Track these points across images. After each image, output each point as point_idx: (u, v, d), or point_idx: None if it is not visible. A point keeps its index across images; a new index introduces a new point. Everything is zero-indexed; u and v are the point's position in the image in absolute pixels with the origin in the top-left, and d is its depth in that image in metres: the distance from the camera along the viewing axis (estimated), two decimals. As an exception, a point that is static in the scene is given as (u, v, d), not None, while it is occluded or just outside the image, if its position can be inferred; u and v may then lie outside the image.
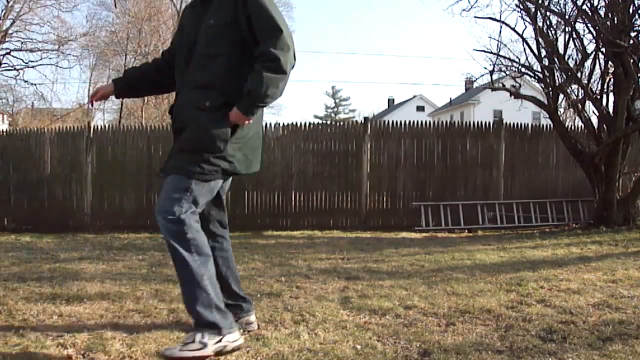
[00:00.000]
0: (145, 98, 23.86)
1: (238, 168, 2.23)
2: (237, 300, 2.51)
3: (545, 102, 7.91)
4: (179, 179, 2.16)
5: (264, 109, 2.32)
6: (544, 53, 7.71)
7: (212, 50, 2.19)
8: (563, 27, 7.65)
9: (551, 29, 7.72)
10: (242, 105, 2.13)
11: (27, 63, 19.50)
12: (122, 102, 24.02)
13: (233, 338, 2.15)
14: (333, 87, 50.60)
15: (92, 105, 2.59)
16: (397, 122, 8.56)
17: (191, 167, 2.14)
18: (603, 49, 7.36)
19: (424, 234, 7.42)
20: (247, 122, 2.18)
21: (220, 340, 2.11)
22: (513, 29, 8.50)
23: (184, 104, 2.23)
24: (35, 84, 20.34)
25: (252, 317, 2.56)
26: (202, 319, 2.12)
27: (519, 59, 8.27)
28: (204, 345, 2.08)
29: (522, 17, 8.01)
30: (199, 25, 2.23)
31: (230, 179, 2.44)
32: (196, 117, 2.17)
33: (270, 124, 8.57)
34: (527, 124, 8.80)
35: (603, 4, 7.35)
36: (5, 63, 19.41)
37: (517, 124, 8.67)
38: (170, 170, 2.20)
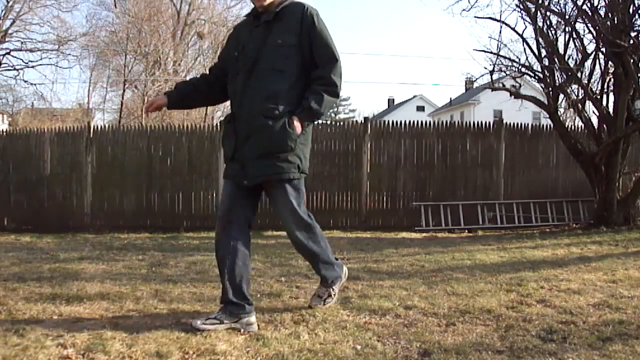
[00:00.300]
0: (145, 98, 23.90)
1: (305, 165, 2.58)
2: (242, 300, 2.60)
3: (546, 102, 7.91)
4: (286, 181, 2.52)
5: None
6: (544, 53, 7.71)
7: (279, 66, 2.48)
8: (563, 27, 7.66)
9: (551, 29, 7.72)
10: (304, 117, 2.49)
11: (27, 63, 19.55)
12: (121, 102, 24.04)
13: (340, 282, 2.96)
14: (333, 87, 50.59)
15: (147, 115, 2.77)
16: (397, 122, 8.56)
17: (285, 165, 2.48)
18: (603, 49, 7.36)
19: (424, 234, 7.42)
20: (302, 130, 2.51)
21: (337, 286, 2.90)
22: (513, 29, 8.52)
23: (253, 114, 2.48)
24: (35, 84, 20.42)
25: (253, 318, 2.62)
26: (329, 277, 2.84)
27: (519, 59, 8.28)
28: (332, 294, 2.91)
29: (522, 17, 8.04)
30: (264, 43, 2.50)
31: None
32: (267, 124, 2.45)
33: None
34: (527, 124, 8.80)
35: (603, 4, 7.36)
36: (5, 63, 19.45)
37: (517, 124, 8.67)
38: (256, 178, 2.51)
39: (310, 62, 2.52)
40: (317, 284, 3.01)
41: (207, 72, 2.86)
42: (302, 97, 2.50)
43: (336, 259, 2.91)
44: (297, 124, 2.48)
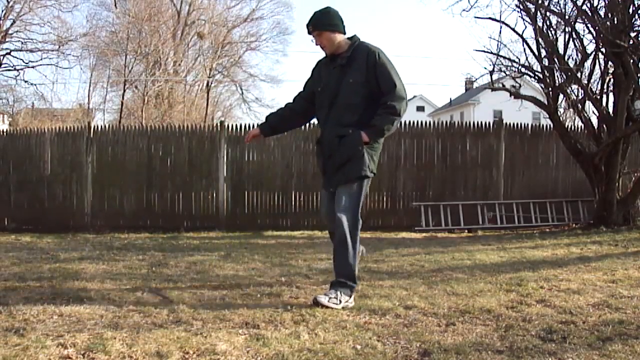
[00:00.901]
0: (145, 98, 23.91)
1: (373, 167, 3.16)
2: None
3: (545, 102, 7.90)
4: (348, 188, 3.08)
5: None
6: (544, 53, 7.71)
7: (352, 100, 3.12)
8: (563, 27, 7.65)
9: (551, 29, 7.72)
10: (370, 134, 3.09)
11: (27, 63, 19.53)
12: (122, 102, 24.05)
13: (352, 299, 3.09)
14: (333, 87, 50.48)
15: (247, 142, 3.65)
16: (397, 122, 8.53)
17: (352, 176, 3.08)
18: (603, 49, 7.36)
19: (424, 234, 7.42)
20: (369, 143, 3.11)
21: (349, 297, 3.07)
22: (513, 29, 8.49)
23: (332, 138, 3.15)
24: (35, 84, 20.38)
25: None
26: (345, 285, 3.05)
27: (519, 59, 8.27)
28: (341, 301, 3.01)
29: (522, 17, 8.01)
30: (341, 82, 3.13)
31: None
32: (340, 146, 3.11)
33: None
34: (527, 124, 8.80)
35: (603, 4, 7.36)
36: (5, 63, 19.43)
37: (517, 124, 8.67)
38: (338, 183, 3.12)
39: (378, 91, 3.11)
40: (317, 283, 3.01)
41: (292, 100, 3.47)
42: (367, 121, 3.09)
43: (354, 283, 3.14)
44: (363, 137, 3.06)
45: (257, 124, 3.63)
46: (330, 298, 2.98)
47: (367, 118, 3.09)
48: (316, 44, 3.24)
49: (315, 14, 3.21)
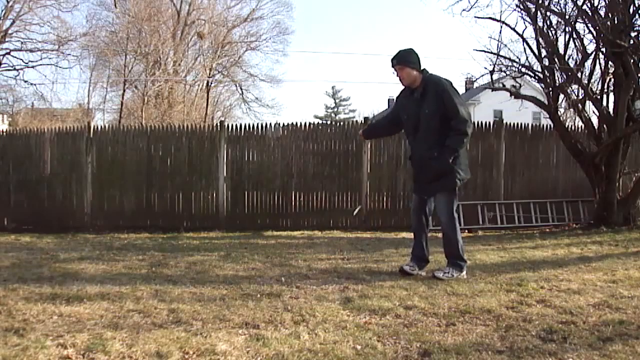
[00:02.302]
0: (145, 98, 23.90)
1: (464, 175, 3.99)
2: (425, 261, 4.16)
3: (546, 102, 7.90)
4: (445, 196, 3.98)
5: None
6: (544, 53, 7.70)
7: (430, 126, 3.90)
8: (563, 27, 7.64)
9: (551, 29, 7.71)
10: (447, 153, 3.87)
11: (27, 63, 19.53)
12: (121, 102, 24.04)
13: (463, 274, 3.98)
14: (333, 87, 50.52)
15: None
16: (397, 122, 8.53)
17: (446, 187, 3.95)
18: (603, 49, 7.35)
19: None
20: (448, 160, 3.90)
21: (461, 274, 3.93)
22: (513, 29, 8.47)
23: (421, 158, 4.01)
24: (35, 84, 20.37)
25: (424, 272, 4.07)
26: (457, 266, 3.95)
27: (519, 59, 8.25)
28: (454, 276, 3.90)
29: (522, 17, 8.00)
30: (419, 112, 3.92)
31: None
32: (429, 164, 3.95)
33: (270, 124, 8.59)
34: (528, 124, 8.78)
35: (603, 4, 7.34)
36: (5, 63, 19.44)
37: (518, 124, 8.66)
38: (434, 192, 4.03)
39: (447, 116, 3.84)
40: (317, 284, 3.01)
41: (387, 115, 4.52)
42: (444, 140, 3.86)
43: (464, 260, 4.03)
44: (445, 159, 3.86)
45: (362, 130, 4.72)
46: (444, 273, 3.87)
47: (444, 137, 3.86)
48: (397, 76, 4.02)
49: (400, 52, 3.99)
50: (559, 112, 8.06)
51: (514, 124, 8.63)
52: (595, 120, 7.96)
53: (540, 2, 7.46)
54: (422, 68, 3.96)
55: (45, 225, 8.15)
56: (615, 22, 6.94)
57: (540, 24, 7.47)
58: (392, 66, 4.01)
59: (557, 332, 2.55)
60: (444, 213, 3.98)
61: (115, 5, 23.99)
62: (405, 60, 3.95)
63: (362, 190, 8.30)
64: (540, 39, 7.54)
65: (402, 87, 4.13)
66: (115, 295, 3.28)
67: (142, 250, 5.62)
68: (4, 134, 9.32)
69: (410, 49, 4.02)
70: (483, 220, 8.03)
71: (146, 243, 6.37)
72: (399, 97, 4.21)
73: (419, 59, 3.97)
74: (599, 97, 7.72)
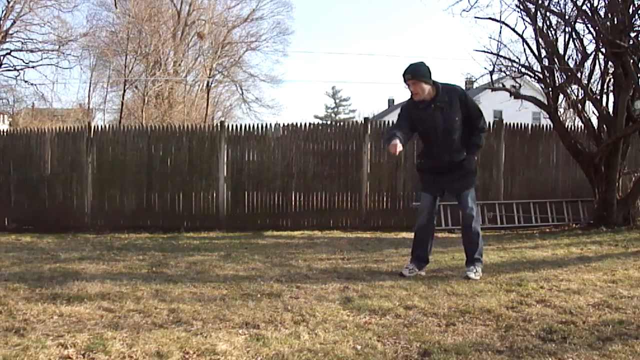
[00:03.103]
0: (145, 98, 23.90)
1: (478, 174, 4.26)
2: (425, 261, 4.20)
3: (545, 102, 7.90)
4: (471, 191, 4.14)
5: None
6: (544, 53, 7.70)
7: (457, 131, 4.05)
8: (563, 27, 7.64)
9: (551, 29, 7.71)
10: (475, 151, 4.17)
11: (27, 63, 19.53)
12: (122, 102, 24.04)
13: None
14: (333, 87, 50.53)
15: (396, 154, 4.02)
16: (397, 123, 8.53)
17: (472, 183, 4.17)
18: (603, 49, 7.35)
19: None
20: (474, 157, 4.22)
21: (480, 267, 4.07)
22: (513, 29, 8.47)
23: (452, 160, 4.09)
24: (35, 84, 20.37)
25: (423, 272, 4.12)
26: (477, 260, 4.06)
27: (519, 59, 8.25)
28: (476, 272, 3.98)
29: (522, 18, 7.99)
30: (447, 120, 4.00)
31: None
32: (460, 165, 4.10)
33: (271, 124, 8.59)
34: (527, 124, 8.79)
35: (603, 4, 7.35)
36: (5, 63, 19.44)
37: (517, 124, 8.66)
38: (462, 189, 4.13)
39: (468, 118, 4.06)
40: (317, 283, 3.01)
41: (396, 127, 4.25)
42: (468, 141, 4.08)
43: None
44: (473, 158, 4.17)
45: (397, 142, 4.12)
46: (475, 272, 3.93)
47: (466, 138, 4.08)
48: (409, 90, 4.03)
49: (412, 65, 4.00)
50: (558, 112, 8.07)
51: (513, 124, 8.64)
52: (595, 121, 7.96)
53: (540, 2, 7.46)
54: (432, 80, 3.99)
55: (46, 225, 8.16)
56: (615, 22, 6.95)
57: (540, 24, 7.47)
58: (405, 80, 4.00)
59: (556, 332, 2.56)
60: (473, 209, 4.12)
61: (115, 6, 24.00)
62: (418, 74, 3.96)
63: (362, 190, 8.30)
64: (540, 39, 7.54)
65: (411, 100, 4.12)
66: (115, 295, 3.29)
67: (142, 250, 5.62)
68: (5, 134, 9.32)
69: (422, 62, 4.04)
70: (483, 220, 8.02)
71: (146, 243, 6.37)
72: (410, 110, 4.16)
73: (430, 71, 4.00)
74: (598, 97, 7.72)
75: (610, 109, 7.61)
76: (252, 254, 5.21)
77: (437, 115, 4.02)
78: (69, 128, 9.20)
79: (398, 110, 4.50)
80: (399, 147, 3.86)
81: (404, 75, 3.97)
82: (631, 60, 6.96)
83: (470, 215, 4.11)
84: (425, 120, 4.06)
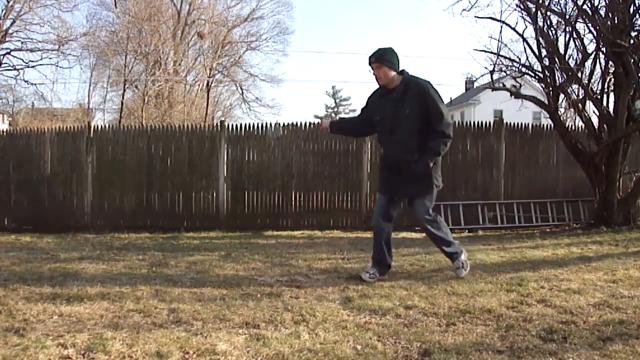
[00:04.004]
0: (145, 98, 23.91)
1: (440, 182, 3.92)
2: (386, 266, 3.93)
3: (546, 102, 7.89)
4: (424, 200, 3.85)
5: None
6: (544, 53, 7.70)
7: (410, 127, 3.74)
8: (563, 27, 7.64)
9: (551, 28, 7.71)
10: (429, 156, 3.75)
11: (27, 63, 19.55)
12: (122, 102, 24.05)
13: (465, 255, 4.04)
14: (333, 87, 50.51)
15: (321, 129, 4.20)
16: (397, 122, 8.53)
17: (427, 187, 3.84)
18: (603, 49, 7.35)
19: (424, 234, 7.39)
20: (429, 163, 3.80)
21: (462, 257, 3.97)
22: (513, 29, 8.46)
23: (399, 159, 3.82)
24: (35, 84, 20.39)
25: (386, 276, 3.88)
26: (453, 254, 3.96)
27: (520, 59, 8.25)
28: (463, 264, 3.97)
29: (522, 17, 7.99)
30: (399, 112, 3.74)
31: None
32: (409, 167, 3.77)
33: (271, 124, 8.59)
34: (528, 124, 8.78)
35: (603, 3, 7.34)
36: (5, 63, 19.45)
37: (518, 123, 8.65)
38: (413, 196, 3.90)
39: (429, 118, 3.71)
40: (317, 283, 3.01)
41: (358, 117, 4.17)
42: (424, 142, 3.73)
43: (454, 240, 4.03)
44: (426, 162, 3.75)
45: (330, 121, 4.32)
46: (458, 268, 3.90)
47: (424, 139, 3.73)
48: (373, 74, 3.81)
49: (379, 50, 3.79)
50: (559, 112, 8.06)
51: (514, 123, 8.63)
52: (595, 120, 7.96)
53: (540, 2, 7.45)
54: (401, 69, 3.80)
55: (46, 225, 8.15)
56: (616, 21, 6.94)
57: (540, 23, 7.47)
58: (369, 64, 3.81)
59: (557, 331, 2.55)
60: (423, 218, 3.88)
61: (115, 5, 24.00)
62: (383, 59, 3.75)
63: (362, 190, 8.30)
64: (540, 39, 7.54)
65: (377, 87, 3.94)
66: (115, 295, 3.28)
67: (142, 250, 5.62)
68: (4, 133, 9.31)
69: (390, 48, 3.82)
70: (483, 220, 8.03)
71: (146, 243, 6.37)
72: (372, 97, 4.01)
73: (398, 59, 3.80)
74: (599, 96, 7.72)
75: (611, 109, 7.61)
76: (252, 253, 5.20)
77: (389, 107, 3.80)
78: (68, 128, 9.19)
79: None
80: (324, 125, 4.09)
81: (369, 58, 3.79)
82: (632, 60, 6.96)
83: (424, 225, 3.94)
84: (382, 109, 3.86)
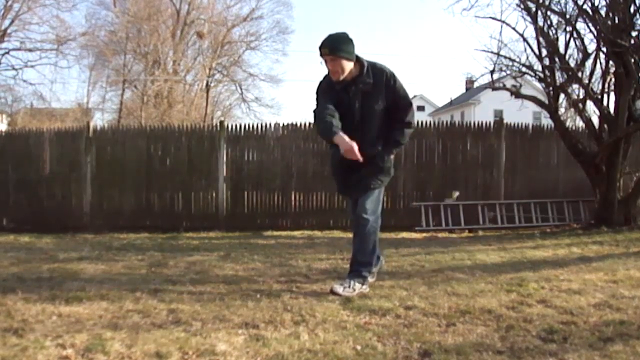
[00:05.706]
0: (144, 98, 23.90)
1: (391, 173, 3.55)
2: (376, 258, 3.64)
3: (546, 101, 7.89)
4: (374, 192, 3.47)
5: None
6: (544, 53, 7.70)
7: (376, 122, 3.38)
8: (564, 26, 7.64)
9: (552, 28, 7.70)
10: (391, 148, 3.50)
11: (26, 63, 19.57)
12: (121, 101, 24.04)
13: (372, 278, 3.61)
14: (333, 87, 50.47)
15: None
16: (397, 122, 8.53)
17: (378, 184, 3.46)
18: (604, 49, 7.34)
19: (424, 234, 7.41)
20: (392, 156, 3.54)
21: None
22: (514, 29, 8.49)
23: (363, 152, 3.21)
24: (34, 84, 20.42)
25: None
26: (366, 275, 3.47)
27: (520, 59, 8.24)
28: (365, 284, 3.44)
29: (522, 17, 8.03)
30: (366, 106, 3.34)
31: None
32: (371, 161, 3.34)
33: (270, 124, 8.58)
34: (528, 124, 8.78)
35: (604, 3, 7.34)
36: (4, 63, 19.46)
37: (518, 123, 8.65)
38: (365, 190, 3.44)
39: (393, 108, 3.39)
40: (317, 284, 3.00)
41: (327, 108, 3.33)
42: (385, 133, 3.41)
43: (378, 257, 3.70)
44: (390, 156, 3.49)
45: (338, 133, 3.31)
46: (344, 287, 3.30)
47: (385, 130, 3.42)
48: (327, 67, 3.25)
49: (331, 37, 3.22)
50: (559, 112, 8.06)
51: (514, 123, 8.63)
52: (595, 120, 7.95)
53: (540, 1, 7.45)
54: (357, 56, 3.28)
55: (45, 225, 8.14)
56: (616, 21, 6.94)
57: (540, 23, 7.47)
58: (321, 55, 3.23)
59: (557, 332, 2.54)
60: (372, 213, 3.47)
61: (114, 5, 24.00)
62: (338, 49, 3.18)
63: (362, 190, 8.28)
64: (540, 39, 7.54)
65: (327, 77, 3.37)
66: (114, 296, 3.27)
67: (141, 250, 5.61)
68: (3, 133, 9.32)
69: (345, 33, 3.27)
70: (483, 220, 8.02)
71: (145, 243, 6.36)
72: (324, 88, 3.40)
73: (353, 45, 3.24)
74: (599, 96, 7.72)
75: (611, 109, 7.60)
76: (251, 254, 5.19)
77: (355, 99, 3.32)
78: (67, 128, 9.21)
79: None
80: (356, 149, 3.16)
81: (320, 48, 3.19)
82: (632, 60, 6.95)
83: (365, 218, 3.45)
84: (343, 103, 3.31)
